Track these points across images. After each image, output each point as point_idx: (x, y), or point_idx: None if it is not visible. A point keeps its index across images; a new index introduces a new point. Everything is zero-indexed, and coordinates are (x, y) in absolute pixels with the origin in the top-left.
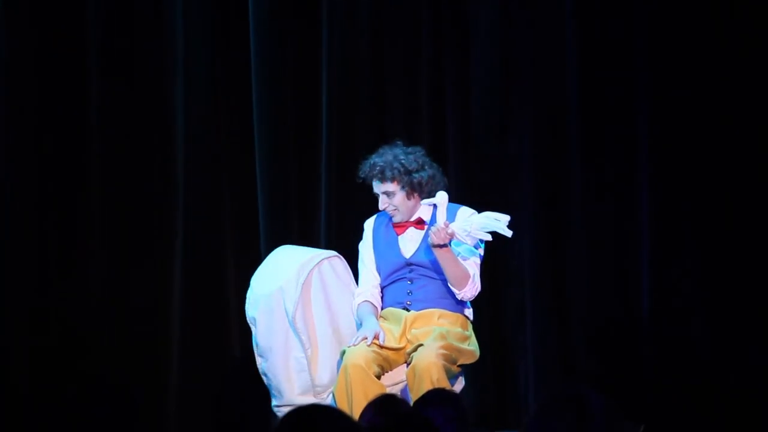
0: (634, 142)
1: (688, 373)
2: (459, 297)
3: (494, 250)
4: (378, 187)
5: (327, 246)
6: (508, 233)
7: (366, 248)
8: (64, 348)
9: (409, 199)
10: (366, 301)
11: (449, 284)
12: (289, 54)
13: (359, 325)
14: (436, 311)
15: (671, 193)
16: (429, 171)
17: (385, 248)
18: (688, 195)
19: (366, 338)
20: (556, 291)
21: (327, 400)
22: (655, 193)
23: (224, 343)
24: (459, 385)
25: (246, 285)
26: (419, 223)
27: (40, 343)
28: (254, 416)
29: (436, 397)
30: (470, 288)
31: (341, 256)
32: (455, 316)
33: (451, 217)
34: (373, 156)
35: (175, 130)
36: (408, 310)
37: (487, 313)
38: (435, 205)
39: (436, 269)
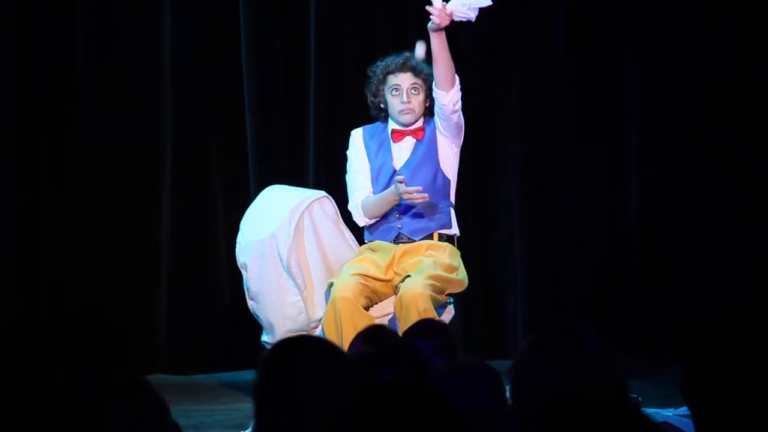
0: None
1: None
2: (447, 99)
3: (483, 178)
4: (406, 80)
5: (316, 185)
6: (488, 2)
7: (358, 155)
8: (53, 290)
9: (424, 102)
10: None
11: (438, 83)
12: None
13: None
14: (424, 243)
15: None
16: None
17: (379, 156)
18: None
19: (410, 189)
20: (544, 219)
21: (316, 331)
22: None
23: (214, 285)
24: (448, 315)
25: (235, 228)
26: (417, 131)
27: (30, 285)
28: (242, 344)
29: (424, 327)
30: (455, 92)
31: (330, 196)
32: (443, 246)
33: None
34: (392, 56)
35: (163, 77)
36: (398, 237)
37: (475, 242)
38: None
39: (424, 180)
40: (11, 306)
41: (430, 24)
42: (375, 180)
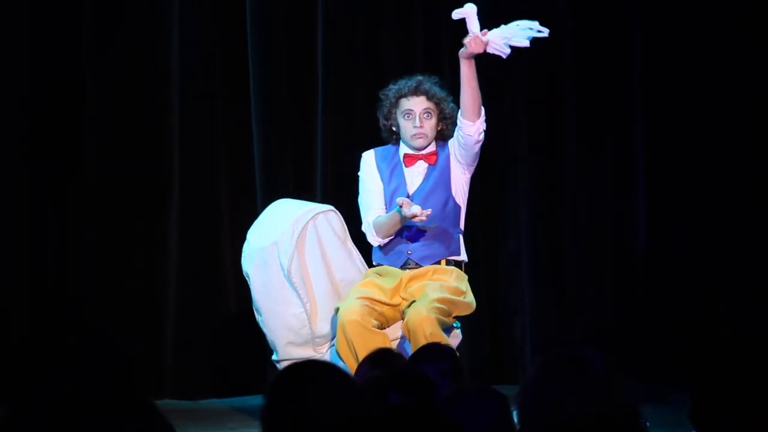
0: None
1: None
2: (473, 130)
3: (490, 201)
4: (419, 104)
5: (323, 199)
6: (545, 32)
7: (371, 177)
8: (60, 304)
9: (436, 126)
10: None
11: (464, 112)
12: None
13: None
14: (431, 267)
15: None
16: (453, 105)
17: (392, 180)
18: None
19: (413, 211)
20: (551, 243)
21: (326, 354)
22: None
23: (220, 298)
24: (455, 340)
25: (242, 240)
26: (430, 156)
27: (37, 298)
28: (250, 369)
29: (430, 351)
30: (481, 122)
31: (337, 211)
32: (450, 270)
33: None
34: (404, 79)
35: (170, 82)
36: (406, 263)
37: (483, 265)
38: (464, 19)
39: (435, 205)
40: (20, 326)
41: (462, 50)
42: (389, 204)
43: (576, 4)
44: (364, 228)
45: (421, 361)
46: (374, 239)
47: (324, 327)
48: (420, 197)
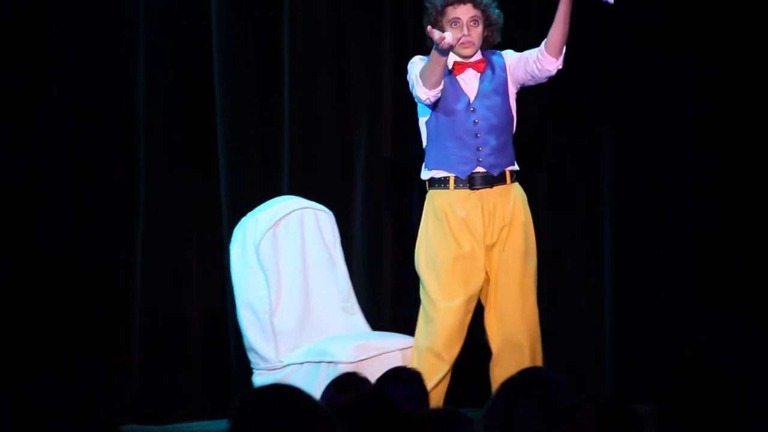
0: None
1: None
2: (553, 67)
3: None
4: (466, 12)
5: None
6: None
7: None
8: (22, 326)
9: (483, 34)
10: None
11: (549, 47)
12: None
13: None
14: (508, 211)
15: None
16: (499, 11)
17: (446, 86)
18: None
19: (443, 37)
20: None
21: (291, 374)
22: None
23: (185, 321)
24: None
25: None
26: (478, 63)
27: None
28: (216, 393)
29: (396, 375)
30: (562, 60)
31: (332, 215)
32: (522, 211)
33: None
34: None
35: (135, 105)
36: (474, 173)
37: None
38: None
39: (498, 114)
40: None
41: None
42: (449, 108)
43: None
44: (414, 86)
45: (388, 385)
46: (422, 90)
47: (285, 323)
48: (483, 104)
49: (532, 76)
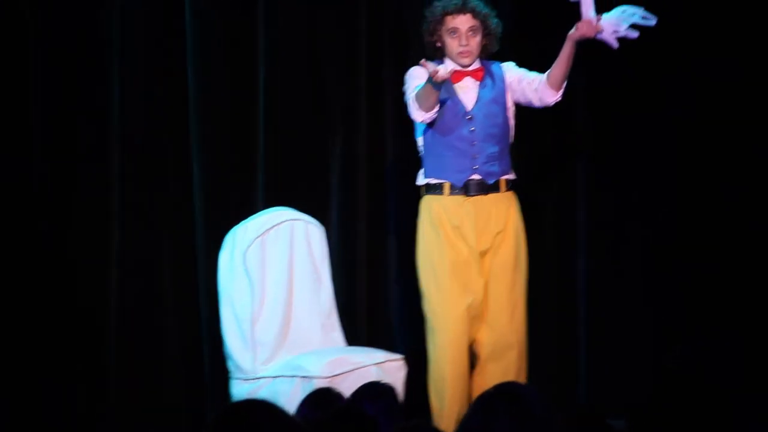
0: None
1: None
2: (553, 100)
3: None
4: (465, 22)
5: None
6: (653, 20)
7: (423, 74)
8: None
9: (481, 43)
10: None
11: (551, 81)
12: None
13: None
14: (501, 219)
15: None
16: (497, 20)
17: (443, 95)
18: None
19: (437, 70)
20: None
21: (262, 387)
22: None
23: (160, 337)
24: (400, 372)
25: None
26: (476, 72)
27: None
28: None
29: (370, 390)
30: (561, 94)
31: (323, 228)
32: (515, 224)
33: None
34: None
35: (110, 123)
36: (470, 180)
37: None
38: (578, 2)
39: (496, 123)
40: None
41: (572, 31)
42: (446, 116)
43: None
44: (409, 106)
45: (362, 400)
46: (418, 113)
47: (264, 334)
48: (481, 112)
49: (529, 101)
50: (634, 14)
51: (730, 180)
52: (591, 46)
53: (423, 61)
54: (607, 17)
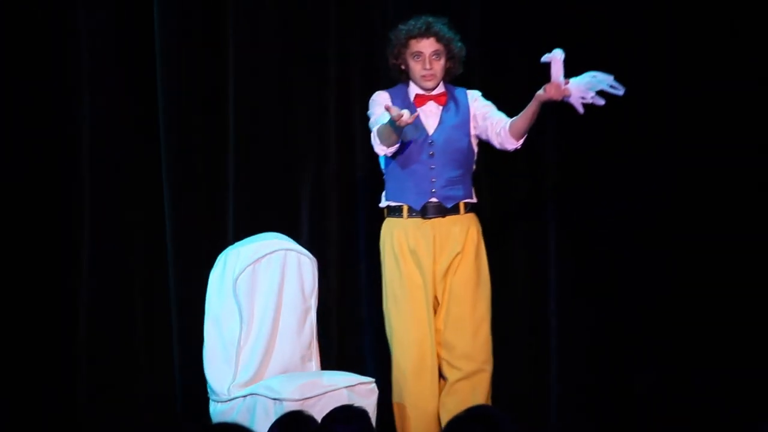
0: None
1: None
2: (512, 147)
3: None
4: (428, 46)
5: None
6: (621, 90)
7: (386, 101)
8: None
9: (445, 66)
10: None
11: (512, 131)
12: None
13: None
14: (458, 244)
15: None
16: (461, 44)
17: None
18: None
19: (401, 114)
20: None
21: (232, 408)
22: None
23: (132, 354)
24: (372, 395)
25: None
26: (440, 96)
27: None
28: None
29: (343, 413)
30: (520, 144)
31: (315, 260)
32: (475, 244)
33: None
34: (413, 19)
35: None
36: (428, 204)
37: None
38: (549, 63)
39: (457, 148)
40: None
41: (540, 92)
42: (410, 142)
43: None
44: (372, 138)
45: (334, 423)
46: (379, 147)
47: (247, 360)
48: (441, 137)
49: (489, 140)
50: (603, 81)
51: (701, 203)
52: (558, 107)
53: (387, 105)
54: (575, 82)
